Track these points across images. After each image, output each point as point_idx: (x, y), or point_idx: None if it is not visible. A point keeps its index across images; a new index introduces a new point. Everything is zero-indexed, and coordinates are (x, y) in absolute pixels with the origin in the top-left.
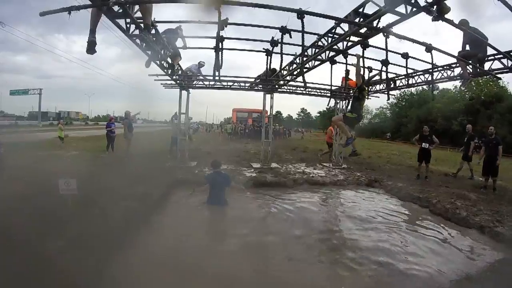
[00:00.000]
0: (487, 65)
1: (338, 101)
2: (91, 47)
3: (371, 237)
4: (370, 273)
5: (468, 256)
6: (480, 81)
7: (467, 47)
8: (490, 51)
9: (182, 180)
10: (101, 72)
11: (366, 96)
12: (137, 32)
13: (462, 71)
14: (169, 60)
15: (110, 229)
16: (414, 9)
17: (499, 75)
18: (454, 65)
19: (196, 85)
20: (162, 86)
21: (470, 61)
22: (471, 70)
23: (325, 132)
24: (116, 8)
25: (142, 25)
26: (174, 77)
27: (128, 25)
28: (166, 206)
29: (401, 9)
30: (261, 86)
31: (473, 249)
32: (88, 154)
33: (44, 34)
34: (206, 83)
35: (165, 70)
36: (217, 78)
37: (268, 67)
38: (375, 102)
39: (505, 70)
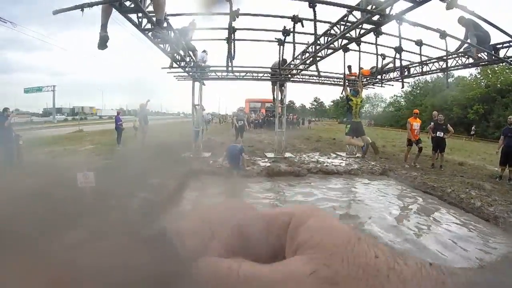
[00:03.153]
0: (502, 53)
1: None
2: (103, 43)
3: (383, 226)
4: None
5: (482, 246)
6: (496, 68)
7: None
8: (505, 38)
9: (198, 170)
10: (113, 66)
11: (356, 105)
12: (149, 26)
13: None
14: (181, 52)
15: (129, 220)
16: None
17: None
18: (469, 52)
19: (209, 77)
20: (175, 79)
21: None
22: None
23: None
24: (128, 3)
25: (154, 19)
26: (187, 69)
27: (140, 20)
28: (181, 197)
29: None
30: (273, 76)
31: (487, 239)
32: (104, 148)
33: (55, 32)
34: (219, 74)
35: (178, 63)
36: (229, 69)
37: (281, 57)
38: (389, 90)
39: None
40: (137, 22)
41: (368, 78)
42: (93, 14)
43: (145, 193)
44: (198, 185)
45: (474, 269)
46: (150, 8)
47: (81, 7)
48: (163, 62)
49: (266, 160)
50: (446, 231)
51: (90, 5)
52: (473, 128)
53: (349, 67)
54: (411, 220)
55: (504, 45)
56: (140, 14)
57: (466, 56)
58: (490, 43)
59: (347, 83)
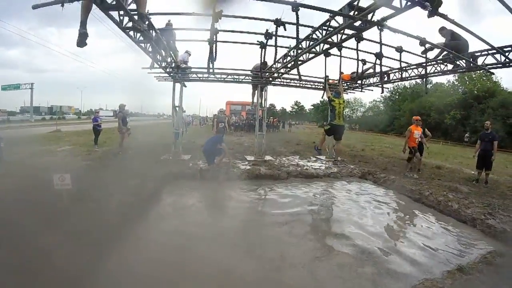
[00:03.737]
0: (480, 60)
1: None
2: (82, 40)
3: (363, 228)
4: (360, 264)
5: (460, 248)
6: (473, 76)
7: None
8: (483, 46)
9: (177, 173)
10: (93, 65)
11: (339, 105)
12: (130, 24)
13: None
14: (162, 52)
15: (105, 223)
16: (409, 3)
17: (492, 70)
18: (447, 59)
19: (190, 78)
20: (156, 79)
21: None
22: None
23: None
24: (109, 0)
25: (135, 16)
26: (167, 70)
27: (121, 18)
28: (159, 200)
29: (396, 3)
30: (255, 79)
31: (465, 241)
32: (81, 149)
33: (36, 28)
34: (200, 75)
35: (159, 63)
36: (211, 70)
37: (262, 60)
38: (369, 95)
39: (498, 66)
40: (118, 20)
41: (349, 83)
42: (74, 9)
43: (120, 196)
44: (175, 189)
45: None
46: (132, 7)
47: (61, 2)
48: (143, 62)
49: (246, 163)
50: (424, 234)
51: (71, 0)
52: (466, 135)
53: (326, 77)
54: (389, 223)
55: (483, 53)
56: (121, 12)
57: (445, 64)
58: (468, 51)
59: (327, 87)
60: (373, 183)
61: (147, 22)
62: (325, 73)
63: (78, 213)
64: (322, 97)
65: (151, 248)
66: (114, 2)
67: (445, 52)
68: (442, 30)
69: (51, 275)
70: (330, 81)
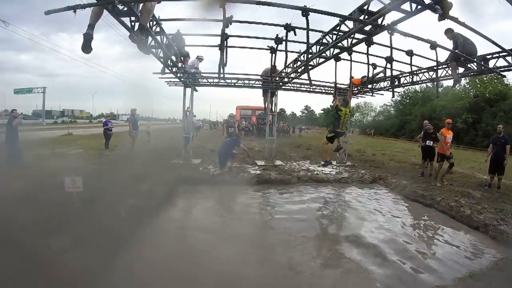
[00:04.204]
0: (491, 63)
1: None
2: (87, 42)
3: (374, 234)
4: (370, 270)
5: (472, 254)
6: (485, 78)
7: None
8: (494, 48)
9: (187, 177)
10: (104, 70)
11: (345, 115)
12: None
13: (452, 73)
14: (173, 58)
15: (115, 227)
16: (419, 6)
17: (503, 73)
18: (459, 62)
19: (201, 83)
20: (166, 84)
21: (475, 59)
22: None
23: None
24: (121, 6)
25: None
26: (178, 75)
27: (132, 23)
28: (168, 205)
29: (406, 6)
30: (265, 83)
31: (477, 247)
32: (92, 152)
33: (47, 33)
34: (211, 80)
35: (170, 68)
36: (221, 75)
37: (272, 65)
38: (380, 100)
39: (510, 68)
40: (129, 26)
41: (359, 87)
42: (85, 15)
43: (131, 200)
44: (184, 193)
45: None
46: None
47: (74, 8)
48: (155, 67)
49: (257, 167)
50: (435, 240)
51: (83, 6)
52: None
53: (336, 84)
54: (400, 229)
55: (494, 55)
56: (133, 18)
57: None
58: (479, 54)
59: (337, 94)
60: (384, 188)
61: (158, 29)
62: (335, 79)
63: (87, 216)
64: (332, 102)
65: (158, 252)
66: (126, 9)
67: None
68: (448, 33)
69: (60, 278)
70: (340, 85)
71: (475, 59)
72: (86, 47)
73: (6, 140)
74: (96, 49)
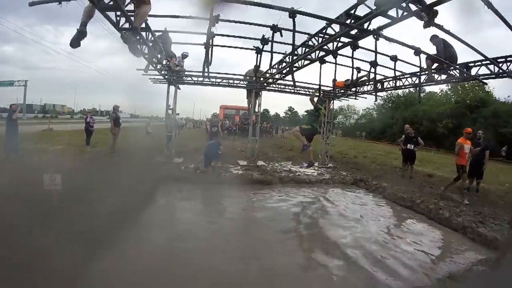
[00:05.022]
0: (474, 70)
1: (325, 100)
2: (78, 38)
3: (353, 235)
4: (349, 272)
5: (451, 256)
6: (467, 85)
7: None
8: (477, 56)
9: (168, 176)
10: (88, 65)
11: (323, 114)
12: (127, 25)
13: (427, 70)
14: (158, 55)
15: (95, 225)
16: (405, 13)
17: (485, 81)
18: (441, 70)
19: (185, 81)
20: (150, 81)
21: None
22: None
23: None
24: (107, 0)
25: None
26: (163, 72)
27: (118, 18)
28: (148, 203)
29: (392, 12)
30: (249, 84)
31: (456, 248)
32: (73, 149)
33: (32, 25)
34: (195, 79)
35: (154, 65)
36: (206, 74)
37: (258, 65)
38: (362, 103)
39: (492, 76)
40: (115, 21)
41: (343, 90)
42: (71, 8)
43: (109, 198)
44: (165, 191)
45: None
46: (130, 7)
47: (59, 0)
48: (139, 63)
49: (239, 167)
50: (414, 242)
51: None
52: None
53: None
54: (379, 230)
55: (476, 63)
56: (118, 13)
57: (439, 74)
58: (462, 62)
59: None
60: (365, 190)
61: (143, 25)
62: (320, 82)
63: (66, 214)
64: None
65: (133, 251)
66: (112, 3)
67: (436, 64)
68: (434, 38)
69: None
70: (323, 88)
71: (455, 66)
72: (76, 43)
73: (7, 134)
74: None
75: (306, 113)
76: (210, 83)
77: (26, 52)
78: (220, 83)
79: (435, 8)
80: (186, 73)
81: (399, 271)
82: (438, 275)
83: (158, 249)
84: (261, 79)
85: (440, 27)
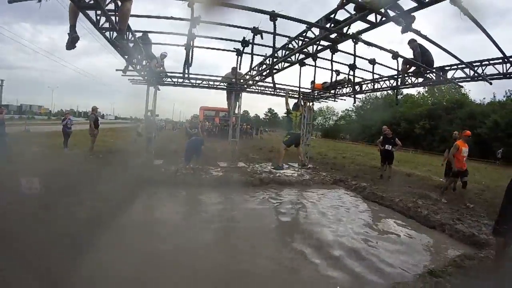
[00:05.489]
0: (450, 74)
1: (304, 102)
2: (73, 42)
3: (334, 235)
4: (331, 270)
5: (431, 252)
6: (443, 88)
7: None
8: (453, 60)
9: (148, 179)
10: (66, 65)
11: (295, 118)
12: (107, 25)
13: (401, 72)
14: (138, 56)
15: (74, 230)
16: (384, 18)
17: (461, 83)
18: (418, 73)
19: (165, 82)
20: (130, 82)
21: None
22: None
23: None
24: None
25: (117, 28)
26: (142, 73)
27: (98, 17)
28: (128, 206)
29: (371, 17)
30: (229, 85)
31: (435, 245)
32: (50, 151)
33: (10, 23)
34: (175, 80)
35: (134, 66)
36: (186, 76)
37: (238, 67)
38: (341, 105)
39: (467, 79)
40: (95, 20)
41: (322, 92)
42: (50, 6)
43: (87, 202)
44: (143, 194)
45: None
46: (110, 7)
47: None
48: (118, 63)
49: (219, 169)
50: (394, 239)
51: None
52: (499, 151)
53: (287, 92)
54: (360, 229)
55: (452, 67)
56: (99, 12)
57: (416, 77)
58: (438, 65)
59: (288, 100)
60: (344, 190)
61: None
62: (299, 84)
63: (43, 219)
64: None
65: (106, 255)
66: (92, 2)
67: (413, 68)
68: (411, 42)
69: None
70: (303, 90)
71: (432, 69)
72: (71, 46)
73: None
74: (58, 41)
75: (285, 115)
76: (191, 84)
77: (2, 50)
78: (200, 84)
79: (412, 14)
80: (166, 74)
81: (380, 268)
82: (418, 271)
83: (131, 254)
84: (241, 80)
85: (417, 32)
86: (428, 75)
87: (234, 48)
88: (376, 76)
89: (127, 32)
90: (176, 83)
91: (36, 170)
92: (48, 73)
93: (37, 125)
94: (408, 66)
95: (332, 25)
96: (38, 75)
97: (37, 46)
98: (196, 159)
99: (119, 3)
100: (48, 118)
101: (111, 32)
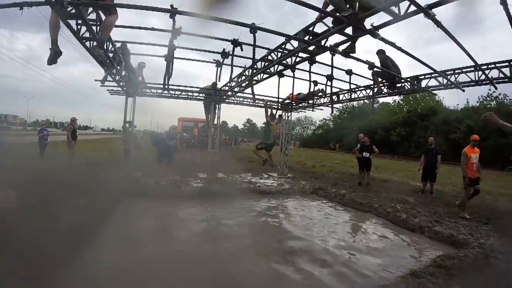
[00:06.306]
0: (424, 83)
1: (283, 113)
2: (55, 58)
3: (315, 241)
4: (314, 276)
5: (412, 254)
6: (417, 96)
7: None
8: (427, 70)
9: (128, 191)
10: (43, 74)
11: (274, 128)
12: (87, 34)
13: (376, 87)
14: (118, 67)
15: (52, 243)
16: (360, 32)
17: (434, 91)
18: (393, 83)
19: (144, 93)
20: (108, 93)
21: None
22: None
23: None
24: (69, 8)
25: (97, 38)
26: (121, 83)
27: (79, 27)
28: (103, 220)
29: (348, 30)
30: (208, 96)
31: (416, 247)
32: (26, 162)
33: None
34: (154, 91)
35: (113, 76)
36: (166, 87)
37: (218, 78)
38: (319, 114)
39: (441, 88)
40: (75, 29)
41: (300, 103)
42: (31, 14)
43: (63, 215)
44: (122, 207)
45: None
46: (91, 16)
47: (20, 5)
48: (96, 74)
49: (199, 180)
50: (375, 244)
51: (30, 4)
52: None
53: (266, 103)
54: (341, 236)
55: (426, 76)
56: (80, 21)
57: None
58: (413, 75)
59: (268, 112)
60: (324, 198)
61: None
62: (278, 95)
63: (17, 233)
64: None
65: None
66: (74, 11)
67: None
68: (380, 54)
69: None
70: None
71: (401, 80)
72: (53, 61)
73: None
74: (36, 50)
75: (264, 125)
76: (170, 95)
77: None
78: (180, 96)
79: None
80: (146, 85)
81: (363, 272)
82: (401, 273)
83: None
84: (220, 91)
85: (392, 44)
86: (403, 84)
87: (214, 60)
88: (353, 86)
89: (107, 42)
90: (155, 93)
91: (7, 183)
92: (24, 82)
93: (12, 136)
94: (377, 76)
95: (311, 37)
96: (14, 84)
97: (14, 54)
98: (168, 164)
99: (102, 15)
100: (23, 128)
101: (91, 42)
